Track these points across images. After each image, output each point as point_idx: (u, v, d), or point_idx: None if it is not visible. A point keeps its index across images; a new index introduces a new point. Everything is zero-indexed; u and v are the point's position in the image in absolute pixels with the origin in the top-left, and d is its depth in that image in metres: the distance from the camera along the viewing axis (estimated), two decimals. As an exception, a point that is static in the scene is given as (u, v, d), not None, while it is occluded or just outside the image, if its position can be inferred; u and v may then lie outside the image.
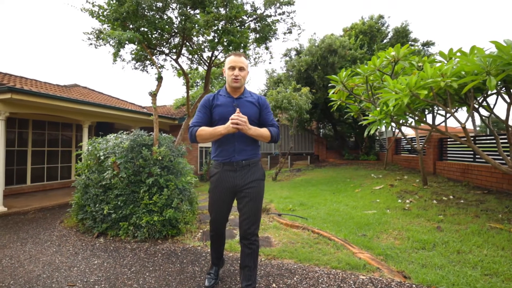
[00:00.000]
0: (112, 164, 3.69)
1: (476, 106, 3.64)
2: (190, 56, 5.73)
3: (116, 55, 4.19)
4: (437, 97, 3.38)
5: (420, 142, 7.77)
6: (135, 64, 5.40)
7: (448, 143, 6.76)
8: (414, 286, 2.18)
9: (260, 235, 3.42)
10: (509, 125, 3.30)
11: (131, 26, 4.38)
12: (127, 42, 4.00)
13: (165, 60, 5.61)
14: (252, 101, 2.07)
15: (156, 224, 3.44)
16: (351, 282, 2.27)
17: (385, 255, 2.76)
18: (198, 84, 11.83)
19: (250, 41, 5.20)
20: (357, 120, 9.80)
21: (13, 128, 7.37)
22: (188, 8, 4.51)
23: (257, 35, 5.26)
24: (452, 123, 30.41)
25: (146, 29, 4.49)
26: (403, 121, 4.22)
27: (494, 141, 4.37)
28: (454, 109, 4.10)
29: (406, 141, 9.08)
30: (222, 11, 4.63)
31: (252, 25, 5.15)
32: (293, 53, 13.50)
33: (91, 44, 4.68)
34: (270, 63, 20.16)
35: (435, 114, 4.78)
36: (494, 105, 3.63)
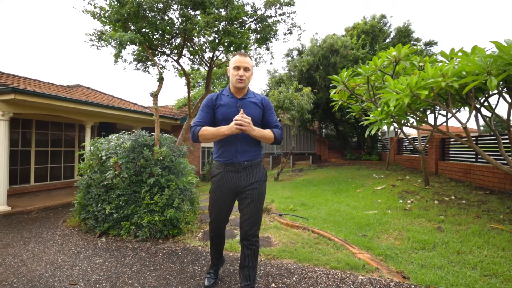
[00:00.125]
0: (114, 164, 3.73)
1: (478, 106, 3.63)
2: (191, 57, 5.77)
3: (117, 56, 4.23)
4: (438, 97, 3.37)
5: (422, 142, 7.74)
6: (136, 65, 5.44)
7: (450, 143, 6.73)
8: (412, 286, 2.18)
9: (261, 235, 3.43)
10: (511, 125, 3.28)
11: (132, 27, 4.41)
12: (128, 43, 4.03)
13: (166, 60, 5.65)
14: (255, 102, 2.04)
15: (157, 223, 3.46)
16: (350, 282, 2.28)
17: (385, 256, 2.76)
18: (200, 84, 11.86)
19: (251, 41, 5.21)
20: (359, 120, 9.77)
21: (17, 128, 7.44)
22: (188, 9, 4.53)
23: (258, 36, 5.28)
24: (455, 123, 30.25)
25: (147, 30, 4.52)
26: (404, 121, 4.21)
27: (496, 141, 4.35)
28: (456, 109, 4.08)
29: (408, 141, 9.04)
30: (223, 12, 4.65)
31: (253, 26, 5.16)
32: (295, 53, 13.48)
33: (93, 45, 4.72)
34: (271, 63, 20.12)
35: (436, 114, 4.76)
36: (496, 105, 3.62)
